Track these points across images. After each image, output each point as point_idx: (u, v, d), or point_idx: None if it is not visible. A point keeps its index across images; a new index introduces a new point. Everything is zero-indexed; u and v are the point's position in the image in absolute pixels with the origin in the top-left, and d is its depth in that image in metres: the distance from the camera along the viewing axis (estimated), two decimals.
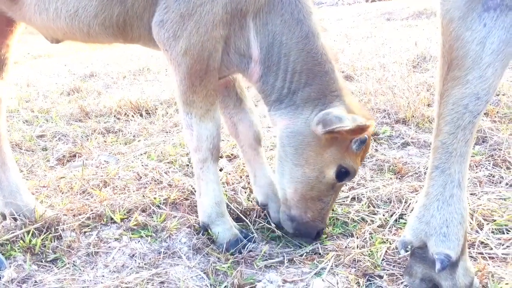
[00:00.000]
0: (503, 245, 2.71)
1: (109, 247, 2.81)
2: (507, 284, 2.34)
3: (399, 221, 3.07)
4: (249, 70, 2.78)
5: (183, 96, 2.71)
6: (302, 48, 2.65)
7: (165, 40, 2.62)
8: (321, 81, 2.68)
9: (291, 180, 2.79)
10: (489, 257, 2.63)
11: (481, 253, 2.65)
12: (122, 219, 3.06)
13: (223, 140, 4.50)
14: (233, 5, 2.57)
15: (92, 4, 2.64)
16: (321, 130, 2.60)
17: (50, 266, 2.65)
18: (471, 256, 2.60)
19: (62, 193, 3.46)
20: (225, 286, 2.49)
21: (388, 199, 3.35)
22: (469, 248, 2.69)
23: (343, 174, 2.74)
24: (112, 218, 3.05)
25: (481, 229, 2.84)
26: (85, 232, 2.95)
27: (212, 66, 2.65)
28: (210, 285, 2.53)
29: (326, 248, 2.84)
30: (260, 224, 3.11)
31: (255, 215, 3.17)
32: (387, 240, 2.84)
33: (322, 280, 2.54)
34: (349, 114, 2.59)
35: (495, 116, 4.63)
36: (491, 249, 2.68)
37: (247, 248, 2.83)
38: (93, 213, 3.07)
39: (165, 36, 2.61)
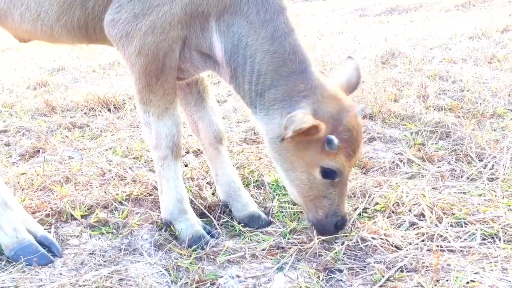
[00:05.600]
0: (460, 238, 2.77)
1: (68, 244, 2.76)
2: (465, 276, 2.38)
3: (362, 215, 3.10)
4: (220, 71, 2.75)
5: (140, 95, 2.67)
6: (267, 49, 2.59)
7: (117, 39, 2.59)
8: (286, 82, 2.62)
9: (291, 185, 2.75)
10: (448, 250, 2.68)
11: (440, 246, 2.70)
12: (82, 216, 3.01)
13: (190, 136, 4.47)
14: (193, 7, 2.52)
15: (53, 8, 2.66)
16: (279, 139, 2.57)
17: (5, 265, 2.58)
18: (430, 250, 2.65)
19: (22, 190, 3.37)
20: (186, 282, 2.48)
21: (353, 193, 3.37)
22: (428, 241, 2.75)
23: (330, 173, 2.63)
24: (72, 215, 2.99)
25: (440, 223, 2.90)
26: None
27: (168, 66, 2.61)
28: (171, 281, 2.50)
29: (289, 243, 2.84)
30: (224, 220, 3.09)
31: (219, 211, 3.16)
32: (349, 234, 2.86)
33: (284, 275, 2.55)
34: (301, 115, 2.48)
35: (459, 112, 4.72)
36: (449, 242, 2.73)
37: (210, 244, 2.81)
38: (52, 210, 3.00)
39: (117, 35, 2.57)
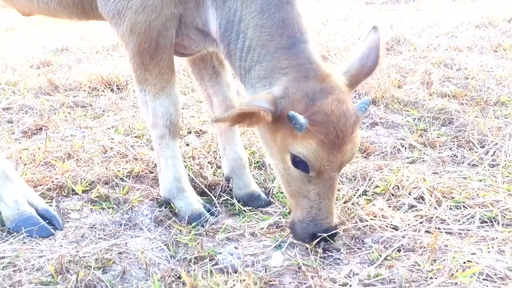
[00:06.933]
0: (459, 221, 2.78)
1: (69, 218, 2.78)
2: (462, 256, 2.40)
3: (361, 197, 3.11)
4: (218, 48, 2.67)
5: (135, 74, 2.66)
6: (256, 23, 2.45)
7: (110, 18, 2.57)
8: (271, 57, 2.42)
9: (277, 175, 2.57)
10: (446, 232, 2.69)
11: (438, 228, 2.71)
12: (83, 191, 3.03)
13: (192, 117, 4.47)
14: None
15: None
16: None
17: (6, 236, 2.61)
18: (428, 231, 2.66)
19: (24, 165, 3.39)
20: (184, 257, 2.50)
21: (353, 176, 3.38)
22: (426, 223, 2.76)
23: (300, 163, 2.33)
24: (73, 190, 3.02)
25: (440, 206, 2.90)
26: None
27: (163, 44, 2.57)
28: (170, 256, 2.52)
29: (288, 223, 2.85)
30: (224, 199, 3.11)
31: (220, 190, 3.16)
32: (349, 215, 2.87)
33: (282, 253, 2.57)
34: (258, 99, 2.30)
35: (463, 99, 4.70)
36: (448, 224, 2.74)
37: (209, 222, 2.83)
38: (54, 185, 3.02)
39: (109, 14, 2.56)
